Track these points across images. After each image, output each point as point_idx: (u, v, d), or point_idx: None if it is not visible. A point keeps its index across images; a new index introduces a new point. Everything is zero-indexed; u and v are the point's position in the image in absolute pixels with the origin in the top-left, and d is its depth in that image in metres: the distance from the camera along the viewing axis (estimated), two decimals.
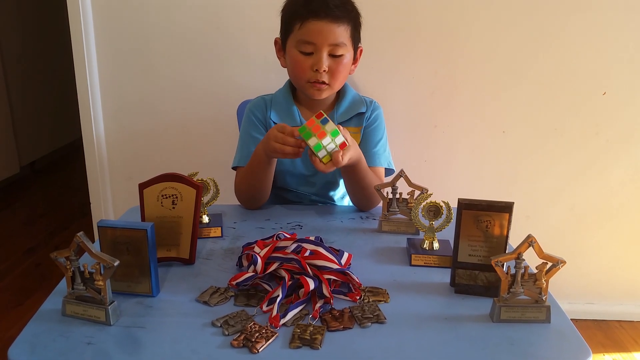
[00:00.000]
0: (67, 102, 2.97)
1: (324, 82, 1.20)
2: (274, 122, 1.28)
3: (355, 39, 1.24)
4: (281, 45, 1.27)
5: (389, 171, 1.33)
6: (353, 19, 1.21)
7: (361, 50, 1.29)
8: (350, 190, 1.25)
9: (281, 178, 1.32)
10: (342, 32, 1.18)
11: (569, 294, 1.92)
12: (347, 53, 1.21)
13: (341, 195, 1.37)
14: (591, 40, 1.65)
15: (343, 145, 1.04)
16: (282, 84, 1.35)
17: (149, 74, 1.72)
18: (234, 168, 1.31)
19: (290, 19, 1.20)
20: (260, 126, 1.30)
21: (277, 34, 1.28)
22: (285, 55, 1.25)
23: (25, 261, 2.37)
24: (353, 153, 1.08)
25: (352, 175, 1.19)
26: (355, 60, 1.28)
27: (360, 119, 1.31)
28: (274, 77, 1.60)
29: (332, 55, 1.19)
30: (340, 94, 1.32)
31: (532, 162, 1.78)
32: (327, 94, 1.24)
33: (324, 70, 1.18)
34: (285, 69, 1.28)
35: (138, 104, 1.75)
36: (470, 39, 1.66)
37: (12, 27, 3.18)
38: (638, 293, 1.94)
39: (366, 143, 1.30)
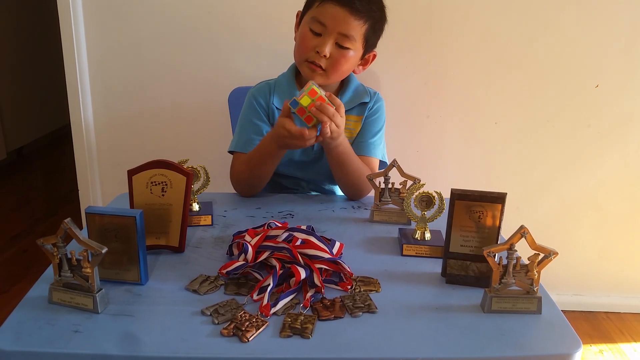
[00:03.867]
0: (56, 87, 2.92)
1: (320, 66, 1.18)
2: (276, 108, 1.27)
3: (370, 40, 1.22)
4: (299, 20, 1.25)
5: (382, 164, 1.32)
6: (373, 19, 1.19)
7: (374, 56, 1.28)
8: (337, 177, 1.24)
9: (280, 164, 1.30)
10: (356, 26, 1.16)
11: (557, 285, 1.94)
12: (355, 50, 1.19)
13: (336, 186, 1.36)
14: (584, 32, 1.65)
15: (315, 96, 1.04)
16: (274, 71, 1.33)
17: (139, 60, 1.70)
18: (230, 152, 1.29)
19: None
20: (262, 113, 1.28)
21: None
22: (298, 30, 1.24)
23: (12, 247, 2.34)
24: (339, 122, 1.07)
25: (335, 157, 1.17)
26: (364, 62, 1.26)
27: (362, 109, 1.30)
28: (265, 63, 1.58)
29: (339, 45, 1.17)
30: (345, 83, 1.31)
31: (524, 153, 1.79)
32: (321, 80, 1.21)
33: (325, 56, 1.16)
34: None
35: (128, 89, 1.72)
36: (464, 30, 1.65)
37: None
38: (625, 285, 1.97)
39: (364, 133, 1.30)
